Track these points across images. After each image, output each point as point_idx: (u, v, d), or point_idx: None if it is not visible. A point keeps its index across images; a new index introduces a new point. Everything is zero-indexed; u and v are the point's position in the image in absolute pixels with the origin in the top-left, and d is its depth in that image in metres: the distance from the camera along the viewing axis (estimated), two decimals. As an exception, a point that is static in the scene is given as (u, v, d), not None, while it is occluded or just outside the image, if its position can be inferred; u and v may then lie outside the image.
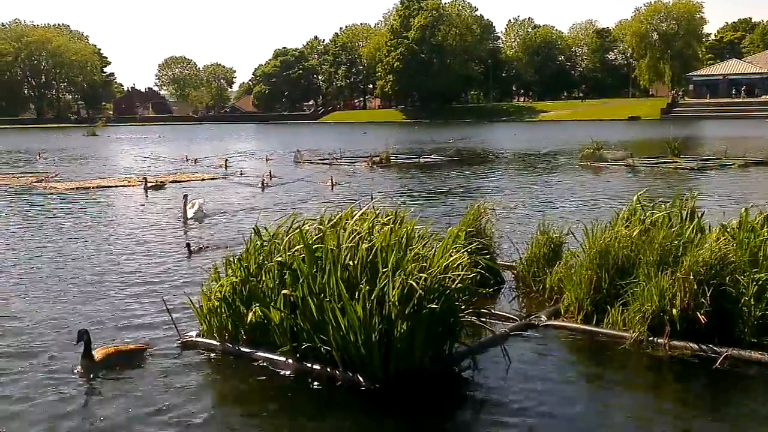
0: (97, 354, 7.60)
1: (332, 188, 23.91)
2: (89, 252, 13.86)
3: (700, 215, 8.97)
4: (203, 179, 29.47)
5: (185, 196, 17.74)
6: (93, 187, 26.41)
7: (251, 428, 6.48)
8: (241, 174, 30.83)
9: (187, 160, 39.61)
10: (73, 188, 26.25)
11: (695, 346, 7.58)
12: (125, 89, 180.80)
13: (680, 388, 7.23)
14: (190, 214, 17.26)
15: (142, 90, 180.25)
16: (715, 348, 7.48)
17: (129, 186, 26.74)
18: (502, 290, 10.41)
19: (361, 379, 6.99)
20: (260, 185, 25.31)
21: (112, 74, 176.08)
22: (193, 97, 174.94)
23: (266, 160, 38.85)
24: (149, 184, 25.54)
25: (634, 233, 8.46)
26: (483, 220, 10.31)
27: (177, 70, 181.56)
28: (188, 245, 13.49)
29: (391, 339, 6.84)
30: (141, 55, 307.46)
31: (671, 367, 7.50)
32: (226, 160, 36.83)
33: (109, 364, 7.56)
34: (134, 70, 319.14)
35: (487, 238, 10.34)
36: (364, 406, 6.80)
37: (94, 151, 54.54)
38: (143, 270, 12.19)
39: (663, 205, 9.30)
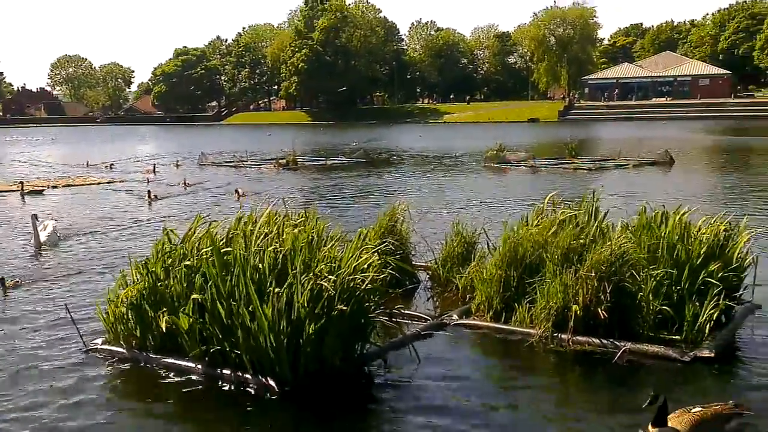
0: None
1: (238, 199, 21.51)
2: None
3: (603, 214, 9.35)
4: (99, 183, 28.45)
5: (34, 216, 14.67)
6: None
7: None
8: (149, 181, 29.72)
9: (109, 166, 36.67)
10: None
11: (597, 341, 7.91)
12: (15, 89, 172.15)
13: (582, 382, 7.55)
14: (42, 237, 14.59)
15: (34, 90, 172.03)
16: (616, 342, 7.82)
17: (9, 192, 25.31)
18: (418, 290, 10.57)
19: (270, 382, 6.96)
20: (146, 199, 22.38)
21: (0, 73, 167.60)
22: (88, 98, 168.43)
23: (176, 165, 36.52)
24: (26, 190, 24.51)
25: (543, 232, 8.74)
26: (398, 220, 10.38)
27: (71, 69, 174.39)
28: (2, 280, 11.17)
29: (301, 341, 6.83)
30: (32, 54, 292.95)
31: (574, 361, 7.80)
32: (154, 165, 33.95)
33: None
34: (25, 69, 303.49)
35: (403, 239, 10.44)
36: (274, 409, 6.78)
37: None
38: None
39: (570, 205, 9.64)
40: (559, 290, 8.08)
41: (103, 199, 23.33)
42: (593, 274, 7.82)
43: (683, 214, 8.98)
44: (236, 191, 22.45)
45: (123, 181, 29.02)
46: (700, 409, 6.03)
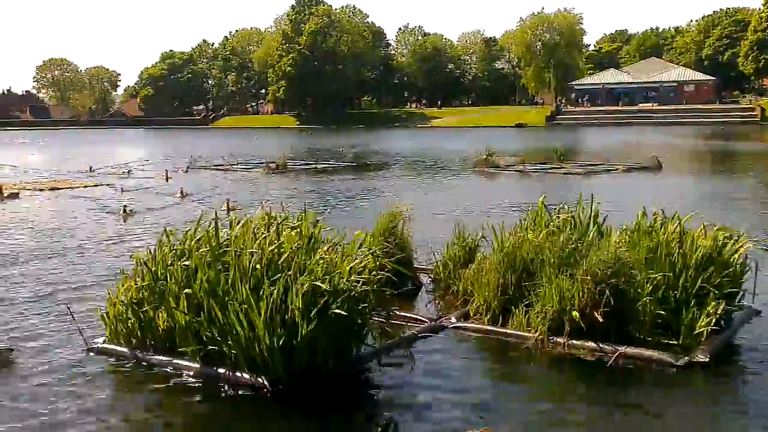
0: None
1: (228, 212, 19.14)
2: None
3: (601, 218, 9.41)
4: (85, 186, 28.24)
5: None
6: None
7: None
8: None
9: (100, 170, 35.41)
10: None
11: (592, 344, 7.95)
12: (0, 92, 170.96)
13: (576, 385, 7.55)
14: None
15: (19, 93, 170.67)
16: (611, 346, 7.86)
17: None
18: (419, 293, 10.61)
19: (264, 381, 7.02)
20: (178, 195, 22.84)
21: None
22: (74, 101, 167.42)
23: (185, 170, 34.92)
24: (5, 193, 24.33)
25: (540, 236, 8.78)
26: (398, 223, 10.42)
27: (57, 72, 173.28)
28: None
29: (295, 341, 6.88)
30: (16, 57, 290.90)
31: (569, 365, 7.84)
32: (166, 171, 31.96)
33: None
34: (9, 73, 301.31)
35: (403, 242, 10.47)
36: (268, 407, 6.85)
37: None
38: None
39: (564, 209, 9.70)
40: (555, 294, 8.12)
41: (81, 204, 22.89)
42: (589, 278, 7.87)
43: (681, 219, 9.05)
44: (227, 202, 20.58)
45: (104, 185, 28.50)
46: None
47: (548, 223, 9.20)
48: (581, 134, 71.09)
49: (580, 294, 7.95)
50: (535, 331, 8.21)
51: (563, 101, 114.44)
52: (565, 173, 30.40)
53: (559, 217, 9.38)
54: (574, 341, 8.02)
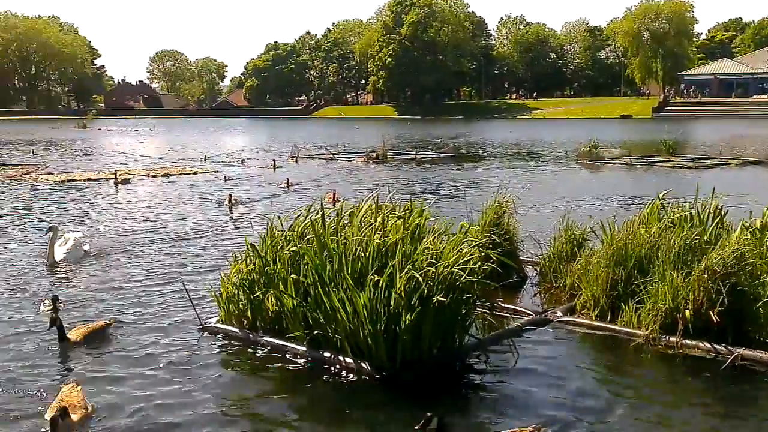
0: (73, 335, 8.07)
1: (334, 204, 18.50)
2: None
3: (721, 214, 9.02)
4: (195, 173, 29.28)
5: (51, 229, 12.43)
6: (83, 180, 26.46)
7: (259, 414, 6.57)
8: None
9: (206, 160, 36.06)
10: (63, 180, 26.29)
11: (707, 345, 7.63)
12: (116, 82, 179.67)
13: (689, 387, 7.27)
14: (59, 254, 12.31)
15: (133, 83, 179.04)
16: (728, 347, 7.52)
17: (107, 179, 26.45)
18: (525, 285, 10.51)
19: (368, 367, 7.12)
20: (284, 185, 23.25)
21: (102, 67, 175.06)
22: (184, 91, 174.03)
23: (295, 160, 35.44)
24: (119, 179, 25.56)
25: (653, 232, 8.52)
26: (504, 214, 10.34)
27: (168, 63, 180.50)
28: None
29: (398, 329, 6.95)
30: (132, 49, 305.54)
31: (682, 365, 7.55)
32: (274, 161, 32.36)
33: (84, 342, 8.03)
34: (125, 63, 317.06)
35: (509, 233, 10.39)
36: (371, 393, 6.94)
37: (85, 143, 54.37)
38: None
39: (686, 204, 9.34)
40: (669, 291, 7.84)
41: (190, 190, 23.73)
42: (706, 276, 7.57)
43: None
44: (333, 194, 20.14)
45: (213, 173, 29.24)
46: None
47: (662, 218, 8.89)
48: (691, 127, 68.08)
49: (695, 292, 7.66)
50: (646, 329, 7.95)
51: (671, 92, 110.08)
52: (673, 166, 29.29)
53: (674, 212, 9.05)
54: (687, 341, 7.72)
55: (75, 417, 6.03)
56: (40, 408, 6.45)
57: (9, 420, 6.27)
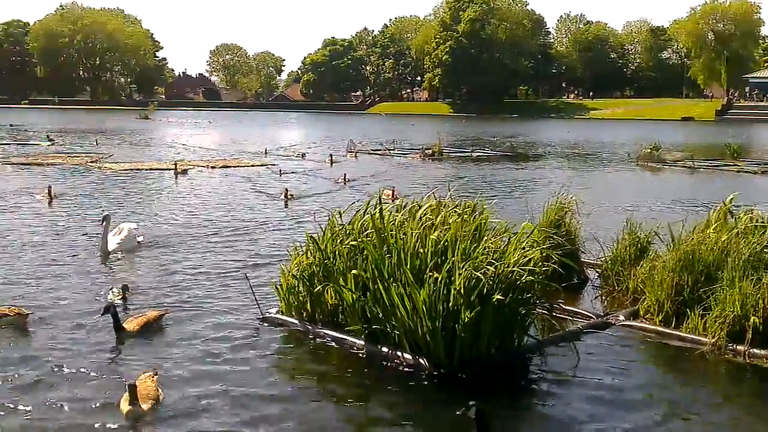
0: (129, 325, 8.16)
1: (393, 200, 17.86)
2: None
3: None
4: (252, 165, 29.55)
5: (105, 218, 12.45)
6: (145, 169, 27.06)
7: (317, 406, 6.60)
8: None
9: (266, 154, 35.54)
10: (125, 169, 26.97)
11: (777, 355, 7.39)
12: (177, 74, 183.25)
13: (757, 398, 7.06)
14: (112, 244, 12.40)
15: (193, 75, 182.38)
16: (799, 359, 7.28)
17: (167, 169, 26.90)
18: (586, 288, 10.39)
19: (426, 363, 7.11)
20: (341, 182, 23.18)
21: (164, 59, 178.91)
22: (242, 84, 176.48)
23: (354, 155, 35.11)
24: (179, 169, 26.03)
25: (722, 238, 8.30)
26: (566, 215, 10.22)
27: (227, 57, 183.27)
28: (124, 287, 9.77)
29: (456, 327, 6.92)
30: (192, 42, 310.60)
31: (749, 375, 7.36)
32: (331, 156, 31.96)
33: (140, 333, 8.14)
34: (186, 56, 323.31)
35: (571, 234, 10.27)
36: (429, 389, 6.93)
37: (146, 134, 55.66)
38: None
39: (755, 210, 9.10)
40: (737, 299, 7.63)
41: (246, 183, 23.86)
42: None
43: None
44: (392, 191, 19.41)
45: (270, 166, 29.34)
46: None
47: (732, 224, 8.66)
48: (755, 131, 66.18)
49: (765, 300, 7.45)
50: (712, 337, 7.75)
51: (735, 95, 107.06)
52: (738, 171, 28.49)
53: (741, 219, 8.81)
54: (756, 350, 7.50)
55: (145, 406, 6.16)
56: (108, 397, 6.54)
57: (87, 411, 6.34)
